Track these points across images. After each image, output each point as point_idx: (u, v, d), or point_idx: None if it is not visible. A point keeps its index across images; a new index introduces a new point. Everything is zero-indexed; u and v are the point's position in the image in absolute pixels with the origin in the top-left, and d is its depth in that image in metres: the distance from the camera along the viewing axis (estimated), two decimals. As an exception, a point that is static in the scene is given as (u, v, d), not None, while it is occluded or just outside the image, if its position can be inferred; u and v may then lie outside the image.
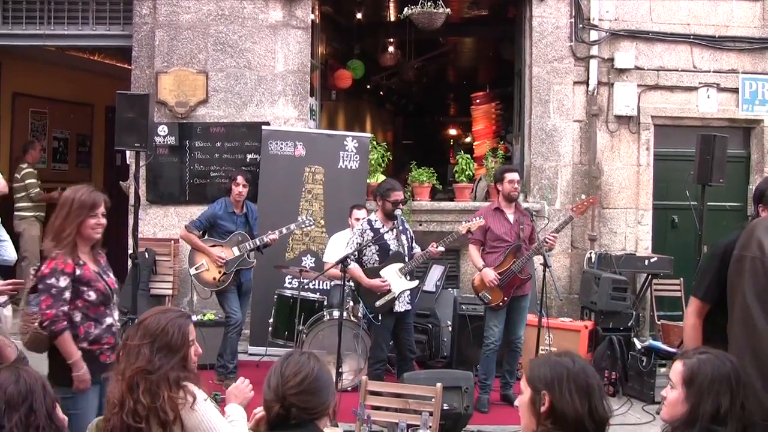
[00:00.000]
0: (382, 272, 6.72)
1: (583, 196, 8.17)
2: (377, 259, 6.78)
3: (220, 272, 7.39)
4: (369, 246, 6.76)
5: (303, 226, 7.76)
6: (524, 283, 7.13)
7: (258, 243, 7.41)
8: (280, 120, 9.17)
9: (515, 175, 7.18)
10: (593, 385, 2.63)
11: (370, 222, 6.87)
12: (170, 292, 8.92)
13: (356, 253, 6.70)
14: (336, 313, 6.94)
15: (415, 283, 6.96)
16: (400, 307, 6.77)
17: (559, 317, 8.55)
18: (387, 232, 6.80)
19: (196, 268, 7.42)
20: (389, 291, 6.71)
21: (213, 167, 9.18)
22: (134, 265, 7.85)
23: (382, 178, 8.90)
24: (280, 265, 8.15)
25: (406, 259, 6.82)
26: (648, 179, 9.56)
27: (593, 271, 8.69)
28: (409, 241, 6.96)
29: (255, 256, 7.64)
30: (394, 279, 6.71)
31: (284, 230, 7.58)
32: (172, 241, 8.97)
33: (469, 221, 6.94)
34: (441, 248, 6.80)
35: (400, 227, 6.86)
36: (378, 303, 6.70)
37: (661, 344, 7.64)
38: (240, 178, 7.46)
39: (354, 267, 6.70)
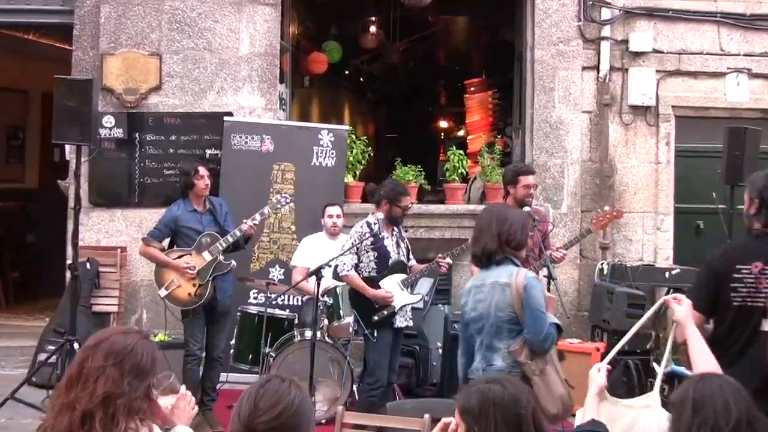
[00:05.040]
0: (382, 283, 6.77)
1: (606, 208, 8.05)
2: (374, 267, 6.83)
3: (194, 285, 7.09)
4: (366, 252, 6.79)
5: (279, 206, 7.58)
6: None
7: (231, 239, 7.11)
8: (244, 110, 9.08)
9: (532, 179, 7.01)
10: (524, 414, 2.78)
11: (369, 225, 6.85)
12: (116, 309, 8.70)
13: (355, 257, 6.77)
14: (308, 333, 6.85)
15: (418, 297, 7.13)
16: (401, 322, 6.86)
17: (567, 338, 8.38)
18: (387, 237, 6.87)
19: (166, 288, 7.14)
20: (390, 304, 6.77)
21: (167, 164, 9.02)
22: (74, 277, 7.67)
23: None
24: (244, 278, 7.97)
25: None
26: (668, 179, 9.51)
27: (605, 284, 8.65)
28: (406, 252, 7.04)
29: (236, 255, 7.42)
30: (395, 291, 6.78)
31: (258, 216, 7.28)
32: (119, 250, 8.79)
33: None
34: (448, 260, 6.92)
35: (400, 234, 7.00)
36: (376, 317, 6.72)
37: (686, 370, 7.50)
38: (202, 170, 7.31)
39: (353, 275, 6.78)
